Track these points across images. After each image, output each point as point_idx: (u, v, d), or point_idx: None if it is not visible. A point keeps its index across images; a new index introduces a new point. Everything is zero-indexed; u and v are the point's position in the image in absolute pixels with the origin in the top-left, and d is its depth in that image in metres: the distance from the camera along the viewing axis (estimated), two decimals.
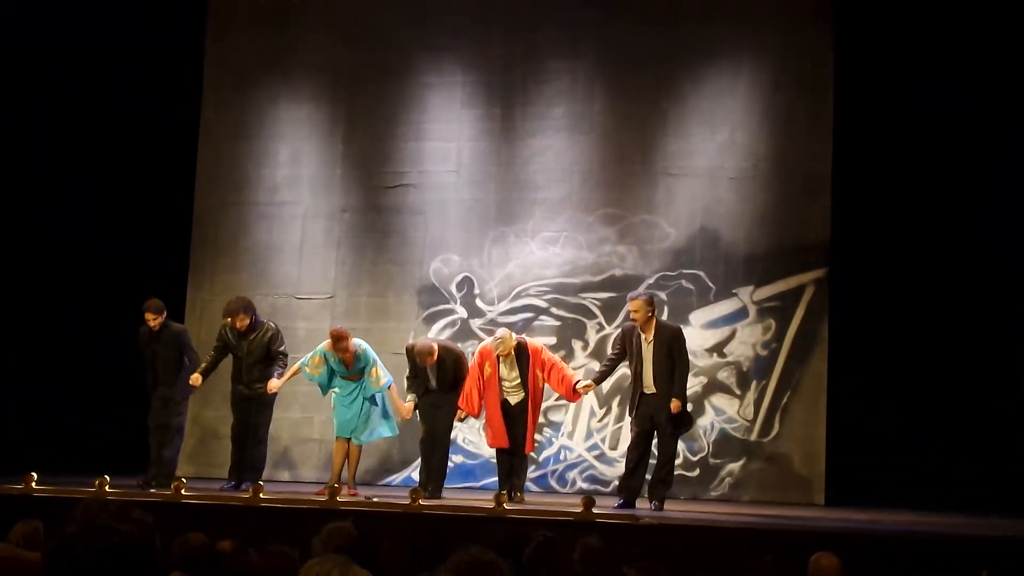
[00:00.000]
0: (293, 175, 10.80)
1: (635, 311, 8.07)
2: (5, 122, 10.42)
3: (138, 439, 8.97)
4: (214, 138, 10.90)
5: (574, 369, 9.18)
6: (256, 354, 8.67)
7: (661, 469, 8.02)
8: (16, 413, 10.16)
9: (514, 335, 8.52)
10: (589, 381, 8.44)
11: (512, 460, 8.47)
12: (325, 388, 8.69)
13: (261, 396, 8.70)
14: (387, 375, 8.64)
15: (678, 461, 9.48)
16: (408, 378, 8.67)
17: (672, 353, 8.00)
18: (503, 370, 8.39)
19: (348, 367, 8.55)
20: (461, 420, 8.69)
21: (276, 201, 10.77)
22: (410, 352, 8.62)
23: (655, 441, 8.05)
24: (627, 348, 8.14)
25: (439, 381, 8.51)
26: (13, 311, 10.42)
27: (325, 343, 8.65)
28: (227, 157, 10.86)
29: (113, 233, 10.70)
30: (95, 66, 10.71)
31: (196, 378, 8.63)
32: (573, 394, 8.45)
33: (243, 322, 8.65)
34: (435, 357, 8.48)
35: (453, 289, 10.35)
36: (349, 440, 8.64)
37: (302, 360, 8.76)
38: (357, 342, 8.62)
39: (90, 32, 10.52)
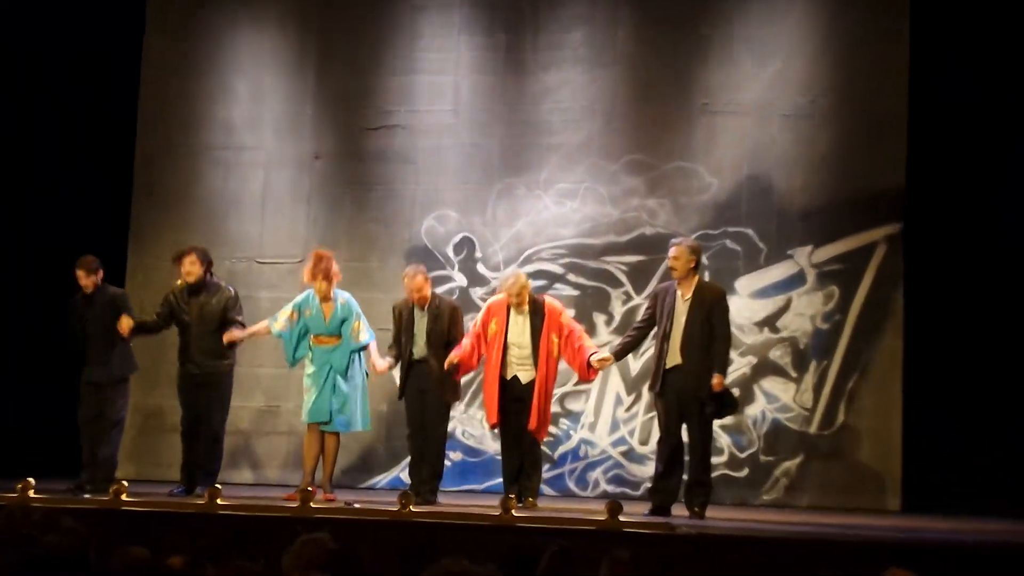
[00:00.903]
0: (254, 114, 10.75)
1: (675, 259, 7.99)
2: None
3: (69, 434, 8.97)
4: (159, 69, 10.87)
5: (598, 346, 9.10)
6: (208, 322, 8.64)
7: (697, 467, 7.97)
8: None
9: (529, 280, 8.55)
10: (607, 354, 8.37)
11: (522, 456, 8.43)
12: (292, 354, 8.64)
13: (215, 377, 8.66)
14: (370, 332, 8.64)
15: (722, 458, 9.57)
16: (392, 342, 8.70)
17: (712, 318, 7.93)
18: (513, 330, 8.34)
19: (327, 319, 8.51)
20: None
21: (233, 145, 10.74)
22: (396, 307, 8.64)
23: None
24: (658, 311, 8.07)
25: (430, 335, 8.47)
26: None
27: (299, 296, 8.64)
28: (175, 92, 10.83)
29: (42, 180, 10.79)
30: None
31: (127, 324, 8.59)
32: (587, 370, 8.36)
33: (193, 266, 8.63)
34: (427, 293, 8.48)
35: (450, 252, 10.35)
36: (323, 430, 8.59)
37: (272, 317, 8.76)
38: (341, 292, 8.61)
39: None
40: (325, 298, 8.52)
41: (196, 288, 8.68)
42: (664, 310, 8.00)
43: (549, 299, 8.56)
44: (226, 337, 8.54)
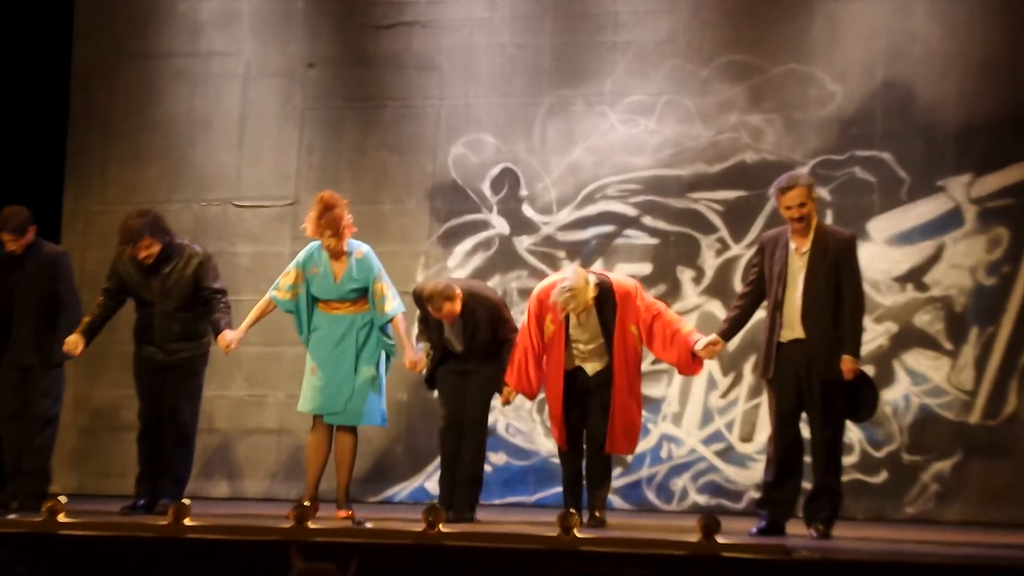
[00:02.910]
0: (227, 10, 10.80)
1: (791, 203, 7.87)
2: None
3: None
4: None
5: (683, 317, 9.07)
6: (175, 297, 8.59)
7: (822, 471, 7.89)
8: None
9: (592, 276, 8.36)
10: (714, 337, 8.26)
11: (587, 460, 8.40)
12: (307, 326, 8.61)
13: (185, 364, 8.63)
14: (398, 300, 8.56)
15: (852, 458, 9.54)
16: (420, 322, 8.66)
17: (840, 276, 7.83)
18: (574, 328, 8.31)
19: (337, 279, 8.47)
20: (507, 403, 8.64)
21: (200, 51, 10.81)
22: (419, 297, 8.57)
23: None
24: (767, 268, 8.01)
25: (467, 345, 8.48)
26: None
27: (303, 251, 8.58)
28: None
29: None
30: None
31: (74, 341, 8.58)
32: (692, 362, 8.28)
33: (150, 249, 8.57)
34: (457, 307, 8.43)
35: (486, 189, 10.37)
36: (335, 423, 8.53)
37: (272, 286, 8.71)
38: (359, 244, 8.57)
39: None
40: (336, 253, 8.47)
41: (155, 263, 8.62)
42: (775, 269, 7.91)
43: (616, 280, 8.38)
44: (223, 343, 8.48)
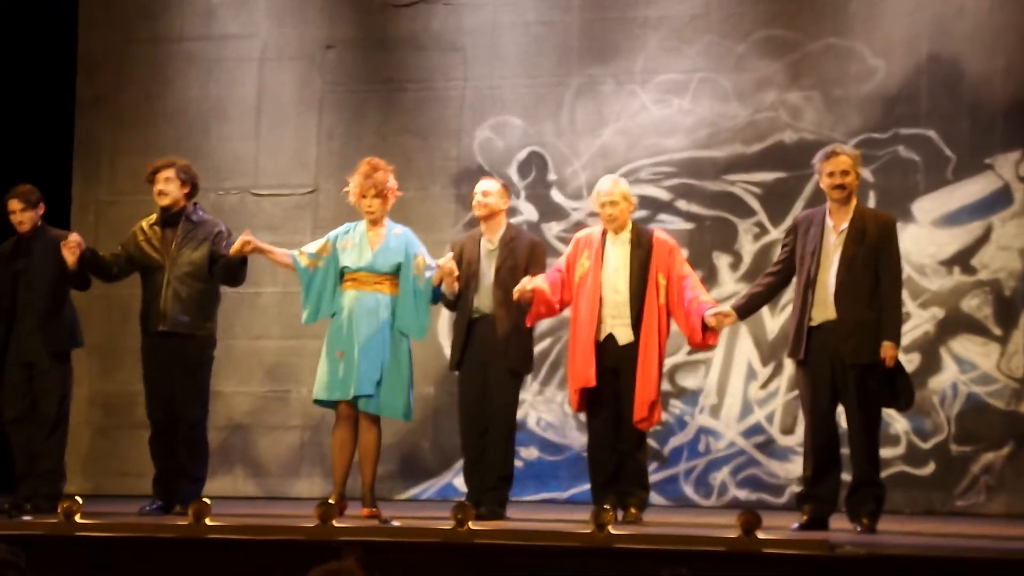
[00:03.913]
0: None
1: (835, 169, 7.82)
2: None
3: None
4: None
5: (719, 301, 8.95)
6: (186, 263, 8.57)
7: (861, 462, 7.90)
8: None
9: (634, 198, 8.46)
10: (727, 308, 8.27)
11: (621, 452, 8.32)
12: (314, 305, 8.51)
13: (192, 344, 8.58)
14: (432, 261, 8.55)
15: (898, 450, 9.55)
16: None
17: (878, 260, 7.84)
18: (608, 266, 8.25)
19: (373, 248, 8.43)
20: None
21: (214, 35, 10.82)
22: (457, 244, 8.64)
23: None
24: (799, 248, 7.96)
25: (499, 274, 8.43)
26: None
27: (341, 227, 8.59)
28: None
29: None
30: None
31: (74, 239, 8.53)
32: (703, 334, 8.19)
33: (169, 185, 8.59)
34: (500, 210, 8.48)
35: (513, 174, 10.35)
36: (356, 412, 8.44)
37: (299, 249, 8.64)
38: (398, 225, 8.56)
39: None
40: (376, 220, 8.45)
41: (172, 217, 8.63)
42: (808, 247, 7.92)
43: (659, 231, 8.46)
44: (235, 247, 8.42)
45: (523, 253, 8.47)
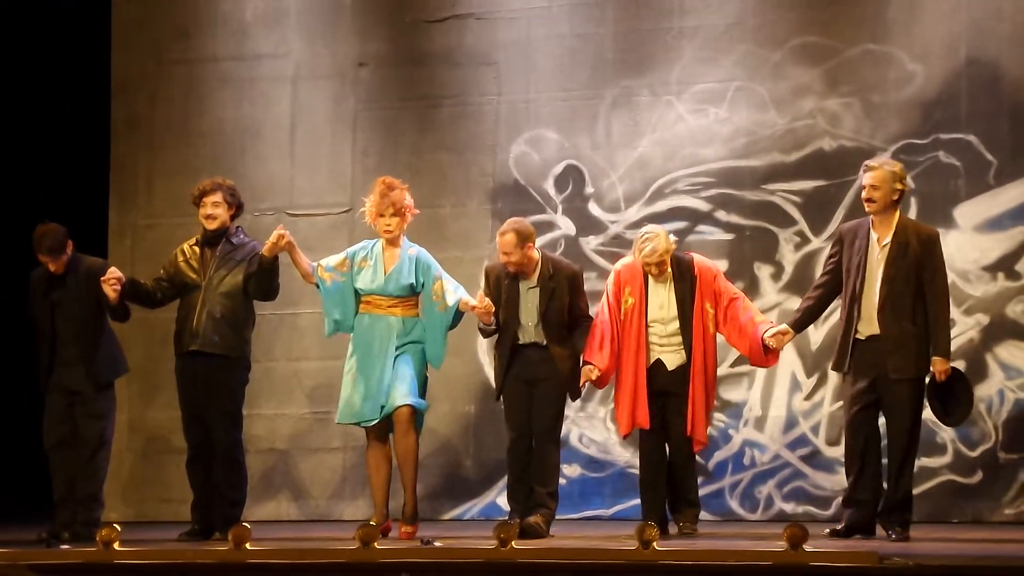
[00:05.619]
0: (273, 9, 10.82)
1: (875, 187, 7.89)
2: None
3: (34, 462, 9.06)
4: None
5: (763, 312, 9.08)
6: (225, 284, 8.65)
7: (894, 473, 7.99)
8: None
9: (672, 237, 8.48)
10: (784, 327, 8.34)
11: (672, 469, 8.47)
12: (333, 317, 8.60)
13: (226, 364, 8.64)
14: (461, 289, 8.54)
15: (945, 459, 9.55)
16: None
17: (922, 274, 7.90)
18: (653, 302, 8.34)
19: (386, 271, 8.50)
20: (587, 382, 8.50)
21: (247, 55, 10.83)
22: (492, 271, 8.61)
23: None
24: (845, 259, 8.02)
25: (542, 315, 8.44)
26: None
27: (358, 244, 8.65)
28: None
29: None
30: None
31: (113, 275, 8.55)
32: (764, 354, 8.34)
33: (217, 209, 8.64)
34: (531, 253, 8.38)
35: (550, 189, 10.37)
36: (385, 430, 8.49)
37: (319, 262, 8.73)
38: (413, 244, 8.60)
39: None
40: (393, 240, 8.52)
41: (214, 238, 8.71)
42: (853, 260, 7.96)
43: (699, 258, 8.50)
44: (269, 241, 8.48)
45: (564, 288, 8.44)
